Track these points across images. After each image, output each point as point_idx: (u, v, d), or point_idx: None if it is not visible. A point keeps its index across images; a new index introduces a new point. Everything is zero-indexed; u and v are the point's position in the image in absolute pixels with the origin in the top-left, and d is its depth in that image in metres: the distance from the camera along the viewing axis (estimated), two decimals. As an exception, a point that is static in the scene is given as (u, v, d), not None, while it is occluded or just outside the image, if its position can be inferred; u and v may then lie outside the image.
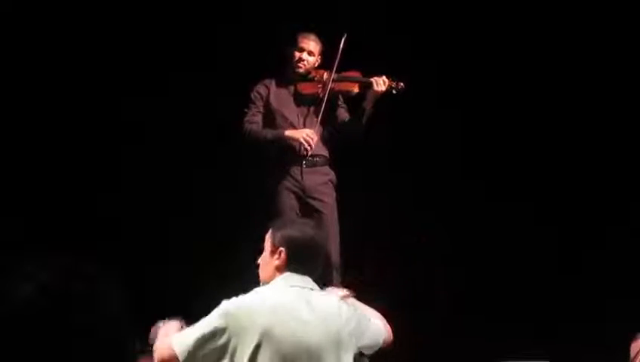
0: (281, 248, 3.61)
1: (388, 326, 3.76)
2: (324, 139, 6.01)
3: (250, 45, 6.64)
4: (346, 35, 5.86)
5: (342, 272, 5.85)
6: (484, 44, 6.71)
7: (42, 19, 6.73)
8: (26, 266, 1.50)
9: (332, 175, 5.98)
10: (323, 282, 5.83)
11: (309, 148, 5.83)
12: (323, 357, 3.46)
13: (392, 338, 3.76)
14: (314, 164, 5.95)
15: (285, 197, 5.85)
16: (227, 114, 6.09)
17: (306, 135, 5.85)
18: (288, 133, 5.91)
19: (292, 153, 5.89)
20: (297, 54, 6.01)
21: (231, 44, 6.76)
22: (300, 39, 6.02)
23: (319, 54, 6.04)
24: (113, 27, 6.77)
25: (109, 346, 1.49)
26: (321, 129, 5.97)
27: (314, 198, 5.89)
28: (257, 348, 3.41)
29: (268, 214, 5.27)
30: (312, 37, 6.03)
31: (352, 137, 5.96)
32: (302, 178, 5.91)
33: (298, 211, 5.85)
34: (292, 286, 3.55)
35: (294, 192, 5.89)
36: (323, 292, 3.64)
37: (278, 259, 3.62)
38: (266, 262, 3.65)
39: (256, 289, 3.57)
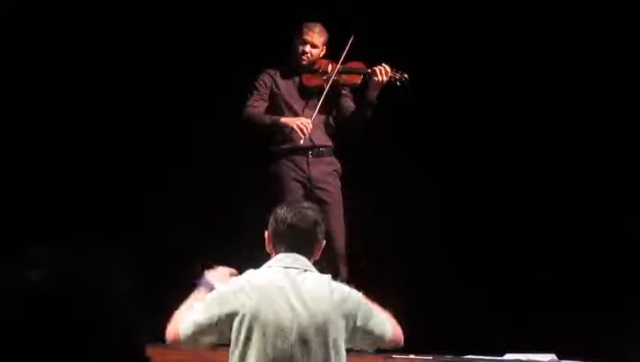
0: (267, 231, 3.65)
1: (399, 328, 3.67)
2: (329, 130, 6.02)
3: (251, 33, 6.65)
4: (353, 37, 5.86)
5: (348, 262, 5.86)
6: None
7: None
8: (36, 251, 1.51)
9: (337, 165, 5.98)
10: (330, 272, 5.87)
11: (302, 135, 5.82)
12: (309, 341, 3.45)
13: (401, 339, 3.68)
14: (320, 154, 5.96)
15: (291, 188, 5.85)
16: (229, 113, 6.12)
17: (300, 123, 5.83)
18: (284, 119, 5.90)
19: (297, 142, 5.89)
20: (301, 47, 5.97)
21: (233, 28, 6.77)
22: (303, 31, 5.97)
23: (323, 45, 6.00)
24: (116, 11, 6.78)
25: (119, 334, 1.49)
26: (323, 119, 5.98)
27: (320, 188, 5.89)
28: (247, 331, 3.45)
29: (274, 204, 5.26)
30: (316, 28, 5.98)
31: (353, 129, 5.96)
32: (308, 168, 5.92)
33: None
34: (280, 267, 3.54)
35: (300, 182, 5.90)
36: (316, 273, 3.58)
37: (268, 242, 3.65)
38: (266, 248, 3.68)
39: (247, 271, 3.58)
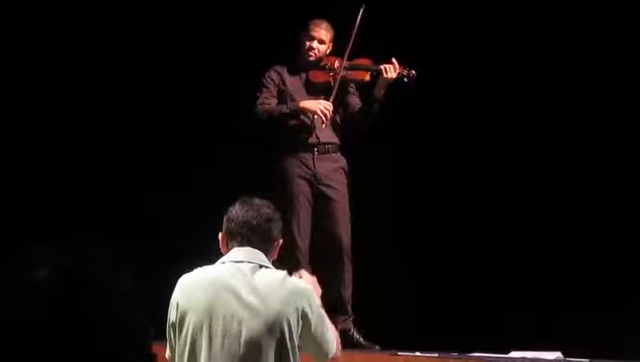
0: (221, 232, 3.54)
1: (340, 343, 3.59)
2: (335, 127, 5.99)
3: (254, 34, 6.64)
4: (364, 7, 5.82)
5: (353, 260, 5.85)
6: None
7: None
8: (41, 250, 1.49)
9: (343, 162, 5.96)
10: (333, 269, 5.86)
11: (324, 120, 5.80)
12: (261, 341, 3.33)
13: (339, 355, 3.58)
14: (326, 151, 5.94)
15: (297, 184, 5.83)
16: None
17: (324, 106, 5.82)
18: (303, 103, 5.88)
19: (303, 138, 5.87)
20: (308, 43, 5.96)
21: (232, 36, 6.76)
22: (311, 27, 5.97)
23: (330, 42, 5.99)
24: (114, 20, 6.77)
25: (124, 332, 1.48)
26: (332, 116, 5.96)
27: (326, 185, 5.87)
28: (192, 334, 3.37)
29: (279, 201, 5.25)
30: (324, 25, 5.97)
31: (361, 126, 5.94)
32: (314, 165, 5.89)
33: (310, 198, 5.84)
34: (232, 262, 3.42)
35: (306, 179, 5.87)
36: (272, 269, 3.45)
37: (222, 243, 3.54)
38: None
39: (199, 269, 3.48)
